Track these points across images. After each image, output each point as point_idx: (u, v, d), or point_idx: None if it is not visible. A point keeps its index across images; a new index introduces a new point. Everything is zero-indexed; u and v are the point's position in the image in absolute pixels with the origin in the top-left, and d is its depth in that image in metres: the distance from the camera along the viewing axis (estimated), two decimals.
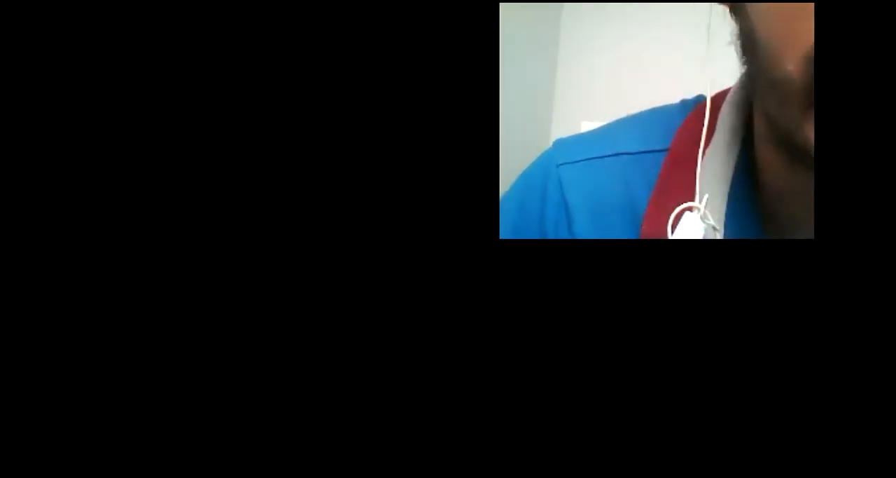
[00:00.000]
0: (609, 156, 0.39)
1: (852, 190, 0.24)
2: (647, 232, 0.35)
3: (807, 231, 0.33)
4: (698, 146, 0.34)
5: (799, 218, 0.33)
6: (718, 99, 0.37)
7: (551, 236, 0.38)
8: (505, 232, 0.41)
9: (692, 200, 0.33)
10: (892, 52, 0.23)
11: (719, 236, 0.32)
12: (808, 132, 0.27)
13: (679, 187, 0.34)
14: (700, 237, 0.32)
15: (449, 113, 0.27)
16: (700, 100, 0.39)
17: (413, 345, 0.27)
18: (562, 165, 0.40)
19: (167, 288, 0.27)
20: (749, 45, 0.30)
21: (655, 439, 0.26)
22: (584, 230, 0.37)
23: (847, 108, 0.24)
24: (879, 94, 0.24)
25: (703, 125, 0.35)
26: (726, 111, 0.36)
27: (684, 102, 0.40)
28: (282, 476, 0.27)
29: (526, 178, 0.42)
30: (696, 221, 0.32)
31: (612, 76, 1.59)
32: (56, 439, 0.26)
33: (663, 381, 0.27)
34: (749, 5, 0.29)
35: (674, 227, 0.33)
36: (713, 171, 0.34)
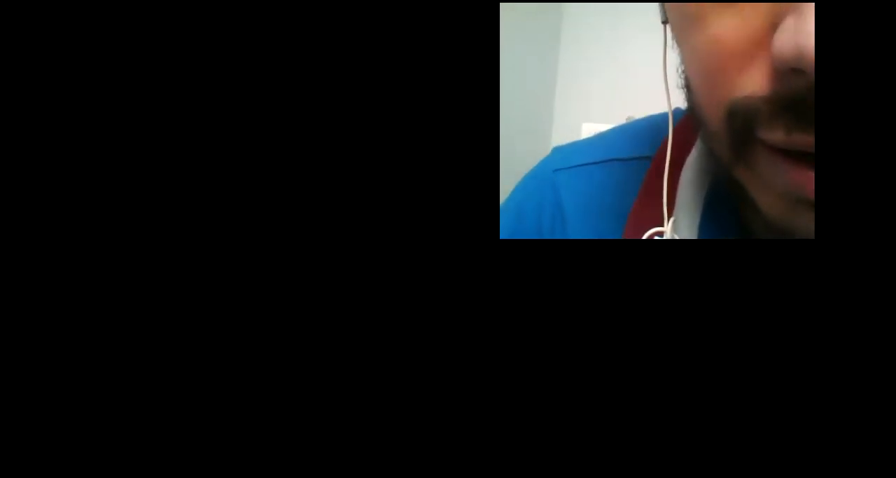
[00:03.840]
0: (602, 162, 0.40)
1: (853, 191, 0.24)
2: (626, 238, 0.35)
3: None
4: (672, 159, 0.34)
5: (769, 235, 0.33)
6: None
7: (546, 238, 0.39)
8: (503, 237, 0.41)
9: (664, 213, 0.34)
10: (892, 54, 0.23)
11: None
12: (740, 176, 0.27)
13: (655, 200, 0.35)
14: None
15: (449, 113, 0.28)
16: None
17: (412, 344, 0.27)
18: (557, 170, 0.41)
19: (167, 288, 0.27)
20: (689, 93, 0.30)
21: (654, 440, 0.26)
22: (578, 233, 0.38)
23: (847, 109, 0.24)
24: (879, 98, 0.24)
25: (685, 135, 0.35)
26: None
27: (677, 111, 0.40)
28: (282, 476, 0.27)
29: (524, 184, 0.43)
30: None
31: (613, 77, 1.59)
32: (56, 439, 0.26)
33: (663, 381, 0.27)
34: (687, 52, 0.28)
35: None
36: (687, 182, 0.34)
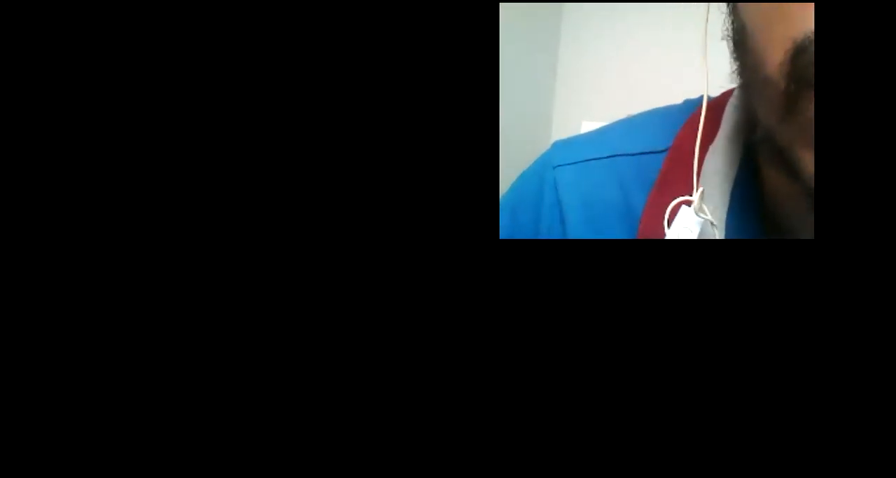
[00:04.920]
0: (606, 157, 0.38)
1: (853, 191, 0.24)
2: (644, 227, 0.34)
3: (805, 233, 0.33)
4: (699, 143, 0.34)
5: (794, 219, 0.33)
6: (724, 97, 0.37)
7: (544, 237, 0.38)
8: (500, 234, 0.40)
9: (691, 196, 0.33)
10: (891, 53, 0.23)
11: (717, 232, 0.32)
12: (785, 134, 0.26)
13: (679, 184, 0.34)
14: (696, 232, 0.32)
15: (449, 112, 0.27)
16: (709, 98, 0.38)
17: (412, 344, 0.27)
18: (558, 166, 0.39)
19: (167, 288, 0.27)
20: (739, 43, 0.29)
21: (653, 440, 0.26)
22: (578, 232, 0.37)
23: (848, 108, 0.24)
24: (880, 95, 0.24)
25: (706, 122, 0.34)
26: (731, 108, 0.35)
27: (687, 102, 0.39)
28: (282, 476, 0.27)
29: (522, 180, 0.42)
30: (691, 216, 0.32)
31: (613, 76, 1.58)
32: (56, 439, 0.26)
33: (662, 381, 0.27)
34: (741, 3, 0.28)
35: (670, 222, 0.32)
36: (714, 168, 0.33)
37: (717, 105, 0.36)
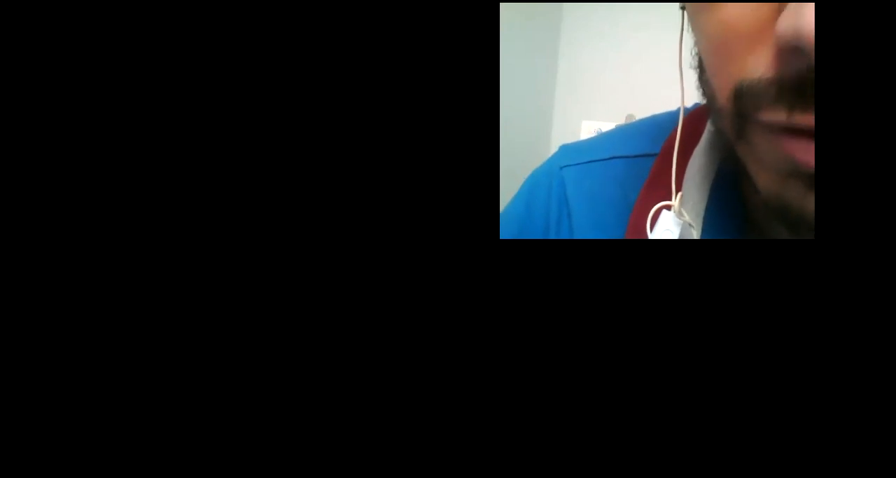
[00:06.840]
0: (606, 159, 0.43)
1: (853, 190, 0.24)
2: (631, 228, 0.37)
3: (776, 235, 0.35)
4: (681, 148, 0.37)
5: (764, 221, 0.35)
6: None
7: (553, 229, 0.42)
8: (512, 227, 0.44)
9: (672, 198, 0.36)
10: (891, 53, 0.24)
11: (695, 233, 0.34)
12: (740, 151, 0.29)
13: (663, 185, 0.37)
14: (676, 233, 0.34)
15: (450, 112, 0.28)
16: (696, 106, 0.42)
17: (412, 344, 0.27)
18: (564, 166, 0.44)
19: (167, 288, 0.27)
20: (700, 73, 0.32)
21: (653, 440, 0.27)
22: (583, 223, 0.41)
23: (846, 108, 0.24)
24: (879, 97, 0.24)
25: (692, 129, 0.38)
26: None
27: (684, 110, 0.42)
28: (282, 476, 0.27)
29: (533, 179, 0.47)
30: (671, 218, 0.34)
31: (612, 76, 1.59)
32: (56, 439, 0.26)
33: (662, 381, 0.27)
34: (699, 34, 0.30)
35: (653, 224, 0.35)
36: (696, 167, 0.36)
37: (706, 109, 0.39)
